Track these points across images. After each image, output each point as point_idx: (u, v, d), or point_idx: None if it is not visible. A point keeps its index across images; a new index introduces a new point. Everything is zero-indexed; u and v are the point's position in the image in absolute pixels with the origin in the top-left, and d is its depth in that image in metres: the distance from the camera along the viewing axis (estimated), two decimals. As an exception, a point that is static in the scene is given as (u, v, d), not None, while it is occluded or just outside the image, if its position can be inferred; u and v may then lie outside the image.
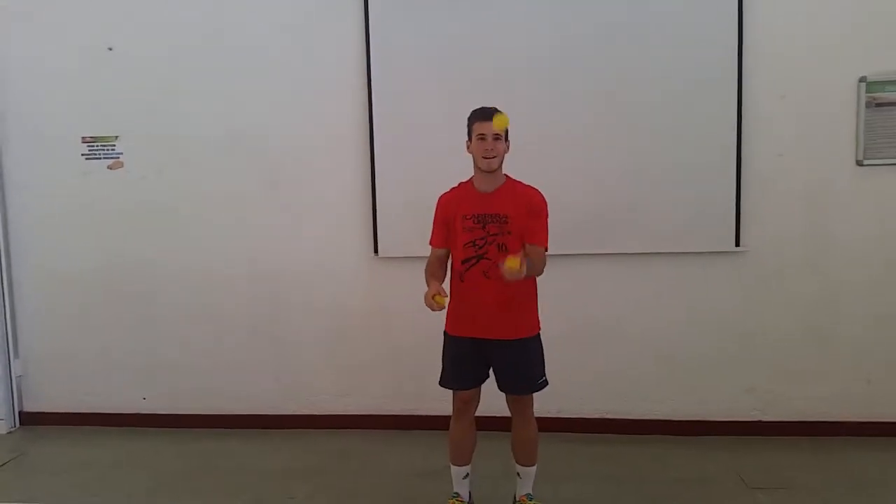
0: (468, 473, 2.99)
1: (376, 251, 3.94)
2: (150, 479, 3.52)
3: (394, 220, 3.88)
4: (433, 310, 2.64)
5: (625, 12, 3.66)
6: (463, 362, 2.84)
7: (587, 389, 3.88)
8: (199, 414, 4.15)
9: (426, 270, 2.84)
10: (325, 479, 3.47)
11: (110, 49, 4.01)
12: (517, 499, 2.96)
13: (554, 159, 3.69)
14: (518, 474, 2.94)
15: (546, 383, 2.86)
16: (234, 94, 3.96)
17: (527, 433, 2.89)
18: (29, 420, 4.28)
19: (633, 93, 3.68)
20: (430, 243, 2.90)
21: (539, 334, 2.85)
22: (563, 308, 3.80)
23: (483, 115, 2.72)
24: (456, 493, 3.00)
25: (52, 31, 4.04)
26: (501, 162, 2.76)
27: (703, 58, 3.63)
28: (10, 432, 4.19)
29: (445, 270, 2.87)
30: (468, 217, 2.76)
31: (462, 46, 3.76)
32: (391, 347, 4.01)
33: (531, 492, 2.94)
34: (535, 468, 2.92)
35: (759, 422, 3.81)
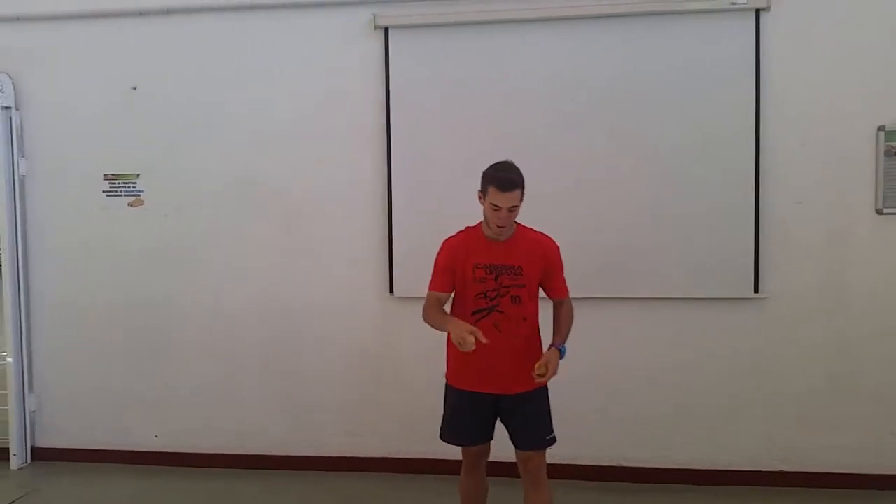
0: None
1: (392, 291, 3.94)
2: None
3: (409, 260, 3.88)
4: (464, 349, 2.46)
5: (645, 61, 3.69)
6: (471, 417, 2.75)
7: (604, 436, 3.83)
8: (210, 453, 4.12)
9: (429, 312, 2.71)
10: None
11: (134, 89, 4.09)
12: None
13: (573, 204, 3.70)
14: None
15: (554, 439, 2.76)
16: (253, 136, 4.01)
17: (542, 497, 2.75)
18: (41, 455, 4.26)
19: (651, 138, 3.70)
20: (433, 288, 2.76)
21: (546, 385, 2.74)
22: (581, 353, 3.73)
23: (501, 185, 2.55)
24: None
25: (76, 71, 4.12)
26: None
27: (722, 105, 3.65)
28: (21, 468, 4.17)
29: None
30: (480, 267, 2.67)
31: (482, 91, 3.80)
32: (404, 389, 3.97)
33: None
34: None
35: (781, 472, 3.72)
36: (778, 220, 3.65)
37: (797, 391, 3.71)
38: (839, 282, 3.66)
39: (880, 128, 3.57)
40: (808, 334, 3.69)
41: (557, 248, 2.76)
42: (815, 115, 3.63)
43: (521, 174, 2.62)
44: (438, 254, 2.79)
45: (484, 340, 2.46)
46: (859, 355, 3.67)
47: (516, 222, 2.74)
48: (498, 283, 2.66)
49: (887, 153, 3.57)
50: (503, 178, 2.57)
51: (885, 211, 3.60)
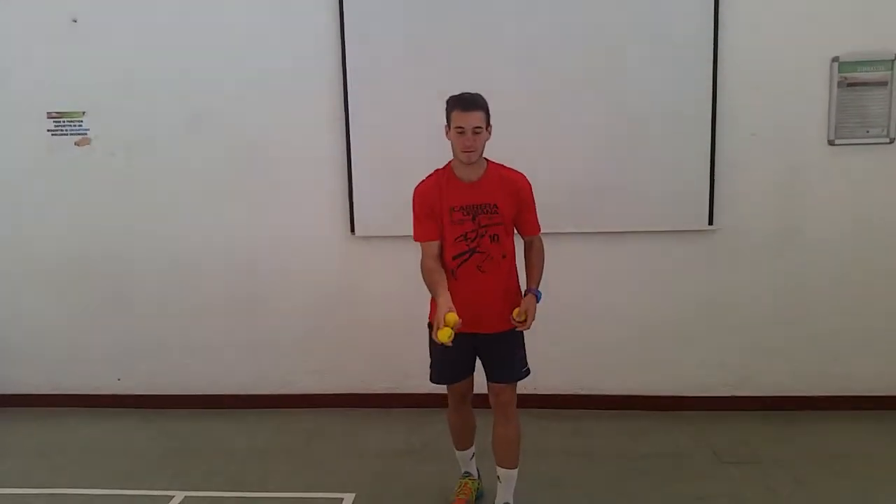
0: (474, 453, 3.02)
1: (353, 230, 3.92)
2: (126, 461, 3.50)
3: (370, 198, 3.86)
4: (436, 337, 2.43)
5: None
6: (456, 357, 2.68)
7: (561, 366, 3.93)
8: (174, 395, 4.13)
9: (426, 277, 2.63)
10: (303, 459, 3.48)
11: (74, 21, 3.88)
12: None
13: (531, 140, 3.68)
14: (498, 478, 2.81)
15: (528, 372, 2.80)
16: (205, 73, 3.88)
17: (508, 431, 2.77)
18: (3, 402, 4.21)
19: (608, 73, 3.69)
20: (418, 238, 2.67)
21: None
22: (543, 287, 3.83)
23: (462, 104, 2.52)
24: (466, 472, 3.03)
25: (14, 2, 3.90)
26: (482, 150, 2.62)
27: (679, 39, 3.64)
28: (-21, 415, 4.13)
29: (444, 270, 2.65)
30: (456, 209, 2.61)
31: (438, 25, 3.72)
32: (367, 327, 4.00)
33: (510, 501, 2.80)
34: (516, 471, 2.80)
35: (732, 397, 3.89)
36: (732, 153, 3.71)
37: (749, 321, 3.85)
38: (792, 213, 3.76)
39: (834, 59, 3.61)
40: (761, 265, 3.80)
41: (530, 185, 2.71)
42: (768, 47, 3.65)
43: (483, 99, 2.57)
44: (413, 201, 2.69)
45: (456, 324, 2.42)
46: (810, 284, 3.80)
47: (487, 160, 2.68)
48: (476, 223, 2.62)
49: (840, 84, 3.62)
50: (465, 98, 2.54)
51: (837, 142, 3.67)
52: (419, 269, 2.66)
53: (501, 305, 2.66)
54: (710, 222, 3.74)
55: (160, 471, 3.38)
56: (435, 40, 3.73)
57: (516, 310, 2.60)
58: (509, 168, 2.72)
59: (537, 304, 2.64)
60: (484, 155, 2.66)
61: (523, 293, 2.71)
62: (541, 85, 3.71)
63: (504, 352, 2.74)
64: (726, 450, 3.43)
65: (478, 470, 3.08)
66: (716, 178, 3.70)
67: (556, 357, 3.88)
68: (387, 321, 3.94)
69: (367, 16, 3.74)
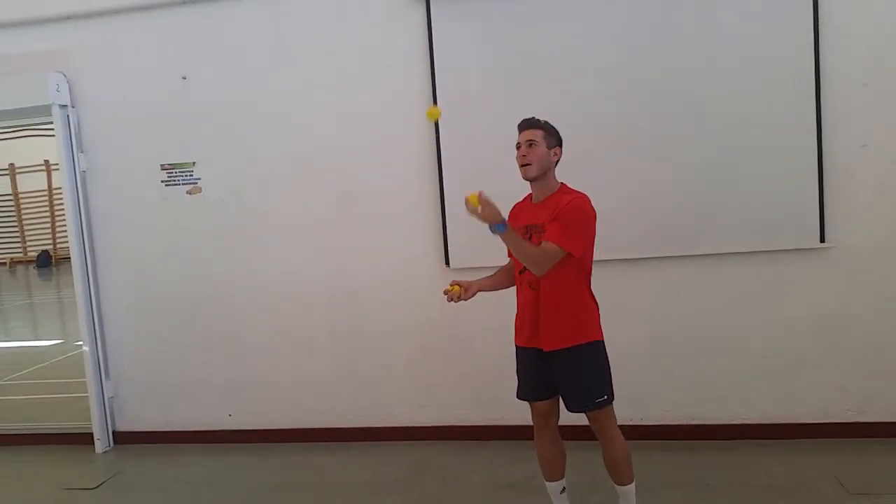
0: (564, 487, 2.93)
1: (447, 263, 3.96)
2: (240, 494, 3.63)
3: (463, 230, 3.88)
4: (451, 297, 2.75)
5: (697, 7, 3.59)
6: (527, 372, 2.81)
7: (671, 395, 3.81)
8: (283, 428, 4.25)
9: None
10: (411, 491, 3.50)
11: (184, 78, 4.16)
12: None
13: (632, 164, 3.66)
14: (618, 494, 2.83)
15: (606, 401, 2.71)
16: (303, 116, 4.06)
17: (610, 452, 2.76)
18: (122, 439, 4.45)
19: (706, 92, 3.61)
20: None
21: (593, 345, 2.72)
22: (645, 312, 3.77)
23: (520, 125, 2.75)
24: None
25: (127, 65, 4.22)
26: (542, 169, 2.69)
27: (778, 49, 3.54)
28: (105, 451, 4.37)
29: (508, 277, 2.91)
30: (520, 228, 2.72)
31: (527, 56, 3.76)
32: (466, 359, 4.01)
33: None
34: (630, 487, 2.78)
35: (854, 423, 3.66)
36: (842, 165, 3.54)
37: (868, 341, 3.62)
38: (909, 226, 3.54)
39: (950, 63, 3.42)
40: (878, 281, 3.59)
41: (579, 204, 2.66)
42: (878, 52, 3.48)
43: (543, 121, 2.74)
44: None
45: (454, 287, 2.74)
46: (934, 301, 3.56)
47: (562, 184, 2.76)
48: (535, 241, 2.69)
49: (958, 88, 3.42)
50: (523, 119, 2.76)
51: (958, 149, 3.45)
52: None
53: (557, 323, 2.69)
54: (822, 239, 3.57)
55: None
56: (525, 71, 3.76)
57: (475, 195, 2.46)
58: (577, 192, 2.73)
59: (492, 225, 2.49)
60: (566, 180, 2.77)
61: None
62: (628, 105, 3.67)
63: (568, 374, 2.71)
64: (853, 480, 3.22)
65: None
66: (825, 191, 3.54)
67: (664, 386, 3.78)
68: (485, 353, 3.93)
69: (456, 50, 3.83)
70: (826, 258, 3.61)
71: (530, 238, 2.69)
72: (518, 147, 2.73)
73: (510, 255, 2.82)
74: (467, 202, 2.49)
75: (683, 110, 3.64)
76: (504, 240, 2.57)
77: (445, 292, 2.74)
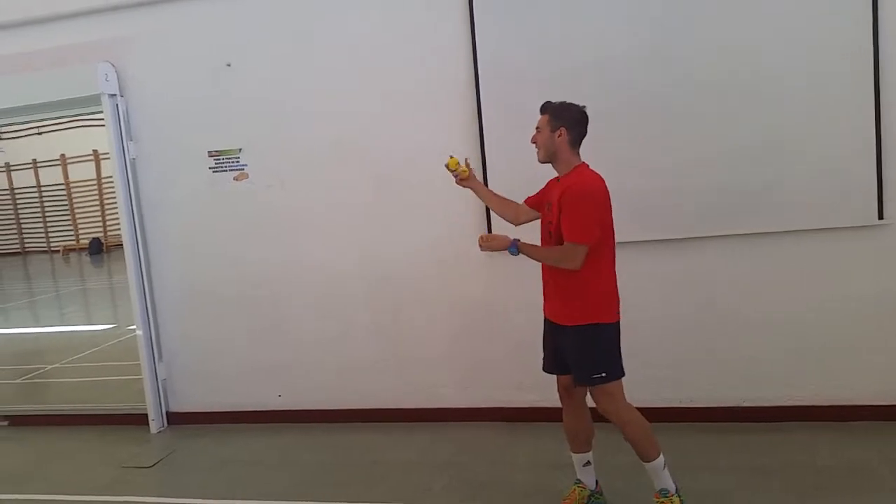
0: (589, 461, 2.98)
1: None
2: (292, 473, 3.70)
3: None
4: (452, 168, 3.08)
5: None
6: (546, 345, 2.98)
7: (721, 377, 3.74)
8: (329, 409, 4.31)
9: None
10: (458, 470, 3.53)
11: (229, 65, 4.20)
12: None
13: (682, 142, 3.59)
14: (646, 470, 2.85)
15: (602, 380, 2.73)
16: (347, 103, 4.07)
17: (623, 431, 2.78)
18: (175, 420, 4.58)
19: (759, 65, 3.50)
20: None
21: (599, 325, 2.74)
22: (693, 294, 3.70)
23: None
24: (578, 479, 3.01)
25: (173, 53, 4.28)
26: (548, 152, 2.81)
27: (835, 20, 3.41)
28: (160, 431, 4.51)
29: (509, 204, 3.14)
30: (543, 203, 2.92)
31: (570, 38, 3.70)
32: (508, 339, 4.01)
33: (664, 486, 2.79)
34: (655, 463, 2.78)
35: (914, 405, 3.55)
36: (902, 139, 3.41)
37: (928, 321, 3.51)
38: (974, 200, 3.40)
39: None
40: (940, 259, 3.47)
41: (575, 192, 2.70)
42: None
43: (553, 104, 2.84)
44: None
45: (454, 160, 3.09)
46: None
47: (578, 165, 2.80)
48: (546, 216, 2.88)
49: None
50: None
51: None
52: None
53: (568, 300, 2.78)
54: (881, 216, 3.45)
55: (324, 483, 3.54)
56: (567, 53, 3.70)
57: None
58: (583, 175, 2.77)
59: (506, 250, 2.80)
60: (604, 162, 2.85)
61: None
62: (676, 82, 3.59)
63: (570, 349, 2.80)
64: (913, 463, 3.14)
65: (597, 482, 3.02)
66: (883, 167, 3.42)
67: (713, 368, 3.72)
68: (527, 333, 3.88)
69: (498, 41, 3.79)
70: (884, 235, 3.50)
71: (548, 212, 2.84)
72: None
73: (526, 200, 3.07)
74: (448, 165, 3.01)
75: (739, 87, 3.53)
76: (526, 255, 2.79)
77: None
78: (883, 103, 3.40)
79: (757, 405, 3.72)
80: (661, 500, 2.79)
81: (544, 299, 2.93)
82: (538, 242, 2.89)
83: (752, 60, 3.51)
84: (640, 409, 2.82)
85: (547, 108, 2.84)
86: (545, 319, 2.95)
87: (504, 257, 3.90)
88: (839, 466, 3.19)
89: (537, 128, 2.84)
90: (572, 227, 2.67)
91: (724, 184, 3.58)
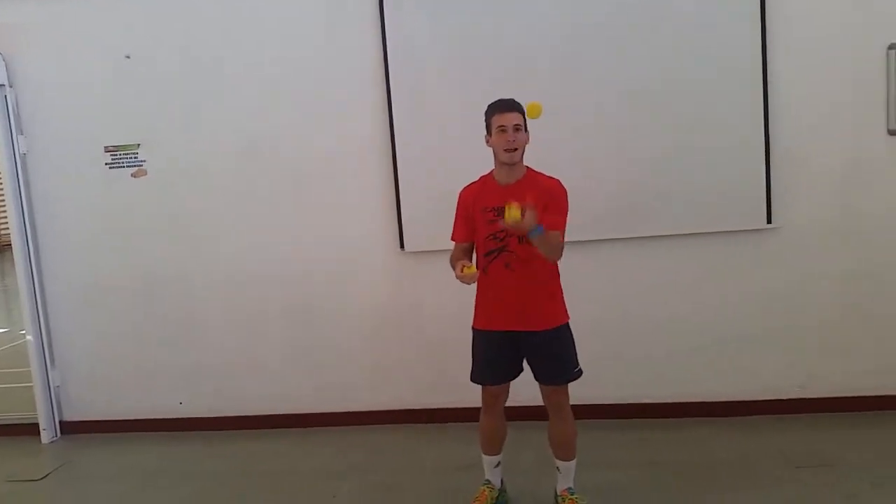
0: (500, 462, 3.03)
1: (402, 246, 3.93)
2: (193, 483, 3.56)
3: (418, 213, 3.87)
4: (466, 282, 2.61)
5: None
6: (493, 357, 2.84)
7: (623, 376, 3.85)
8: (234, 416, 4.18)
9: (451, 260, 2.81)
10: (365, 476, 3.48)
11: (127, 57, 4.02)
12: (558, 493, 2.94)
13: (579, 149, 3.66)
14: (557, 468, 2.92)
15: (580, 372, 2.84)
16: (251, 100, 3.96)
17: (564, 429, 2.86)
18: (70, 429, 4.32)
19: (655, 74, 3.63)
20: (452, 238, 2.88)
21: (568, 323, 2.82)
22: (595, 295, 3.79)
23: (502, 107, 2.70)
24: (487, 479, 3.03)
25: (68, 45, 4.06)
26: (523, 153, 2.73)
27: (726, 36, 3.58)
28: (52, 441, 4.25)
29: (471, 258, 2.83)
30: (489, 209, 2.72)
31: (479, 40, 3.72)
32: (422, 341, 4.00)
33: (572, 485, 2.91)
34: (574, 462, 2.90)
35: (801, 399, 3.75)
36: (788, 147, 3.60)
37: (815, 320, 3.72)
38: (853, 206, 3.63)
39: (891, 46, 3.49)
40: (824, 261, 3.68)
41: (564, 190, 2.76)
42: (822, 37, 3.55)
43: (519, 103, 2.70)
44: (457, 204, 2.88)
45: (472, 266, 2.63)
46: (877, 279, 3.66)
47: (528, 167, 2.78)
48: (493, 226, 2.70)
49: (899, 72, 3.50)
50: (503, 101, 2.72)
51: (898, 131, 3.54)
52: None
53: (534, 304, 2.74)
54: (769, 220, 3.63)
55: (226, 494, 3.42)
56: (478, 55, 3.72)
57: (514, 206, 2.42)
58: (546, 175, 2.78)
59: (532, 232, 2.48)
60: (527, 164, 2.77)
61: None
62: (580, 89, 3.67)
63: (550, 351, 2.78)
64: (798, 454, 3.31)
65: (502, 481, 3.07)
66: (772, 174, 3.60)
67: (616, 368, 3.82)
68: (440, 335, 3.92)
69: (409, 37, 3.77)
70: (772, 239, 3.68)
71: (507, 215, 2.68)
72: (503, 130, 2.66)
73: (458, 238, 2.85)
74: (510, 218, 2.42)
75: (634, 98, 3.65)
76: (539, 241, 2.52)
77: (470, 273, 2.61)
78: (770, 112, 3.58)
79: (656, 402, 3.85)
80: (571, 497, 2.87)
81: (496, 313, 2.78)
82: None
83: (656, 72, 3.63)
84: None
85: (517, 105, 2.70)
86: (492, 334, 2.81)
87: (416, 259, 3.93)
88: (731, 460, 3.33)
89: (517, 126, 2.66)
90: (562, 221, 2.70)
91: (629, 188, 3.68)
